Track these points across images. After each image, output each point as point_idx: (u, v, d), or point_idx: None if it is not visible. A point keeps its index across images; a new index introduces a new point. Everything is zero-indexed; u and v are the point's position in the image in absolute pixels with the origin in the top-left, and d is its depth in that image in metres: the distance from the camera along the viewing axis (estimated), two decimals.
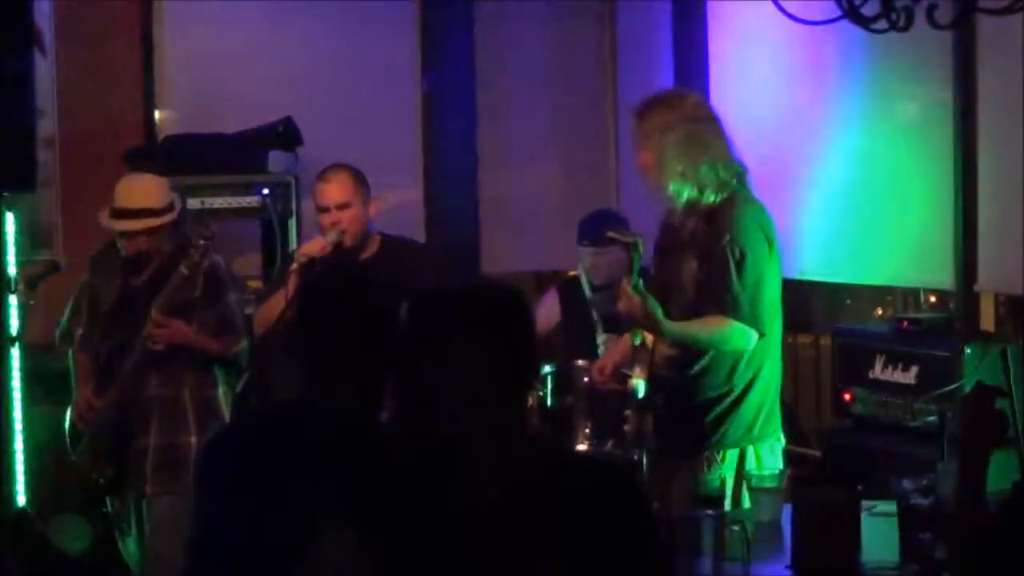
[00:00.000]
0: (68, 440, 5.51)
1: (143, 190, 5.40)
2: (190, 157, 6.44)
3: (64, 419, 5.54)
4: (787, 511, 3.89)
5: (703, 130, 4.65)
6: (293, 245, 6.20)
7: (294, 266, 5.34)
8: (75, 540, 5.60)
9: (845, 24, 4.33)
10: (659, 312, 4.46)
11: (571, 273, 6.59)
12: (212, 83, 6.96)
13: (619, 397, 4.77)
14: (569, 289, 6.36)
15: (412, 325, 2.78)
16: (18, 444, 5.79)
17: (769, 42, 6.42)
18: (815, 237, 6.21)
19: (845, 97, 6.12)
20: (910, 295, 6.26)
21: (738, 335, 4.54)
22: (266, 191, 6.36)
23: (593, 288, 6.10)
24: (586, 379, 4.90)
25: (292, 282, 5.26)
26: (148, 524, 5.42)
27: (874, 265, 6.04)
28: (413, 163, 7.25)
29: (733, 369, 4.62)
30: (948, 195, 5.57)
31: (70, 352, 5.58)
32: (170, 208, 5.41)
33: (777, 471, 4.31)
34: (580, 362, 4.99)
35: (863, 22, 4.25)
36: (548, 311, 6.25)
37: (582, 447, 4.77)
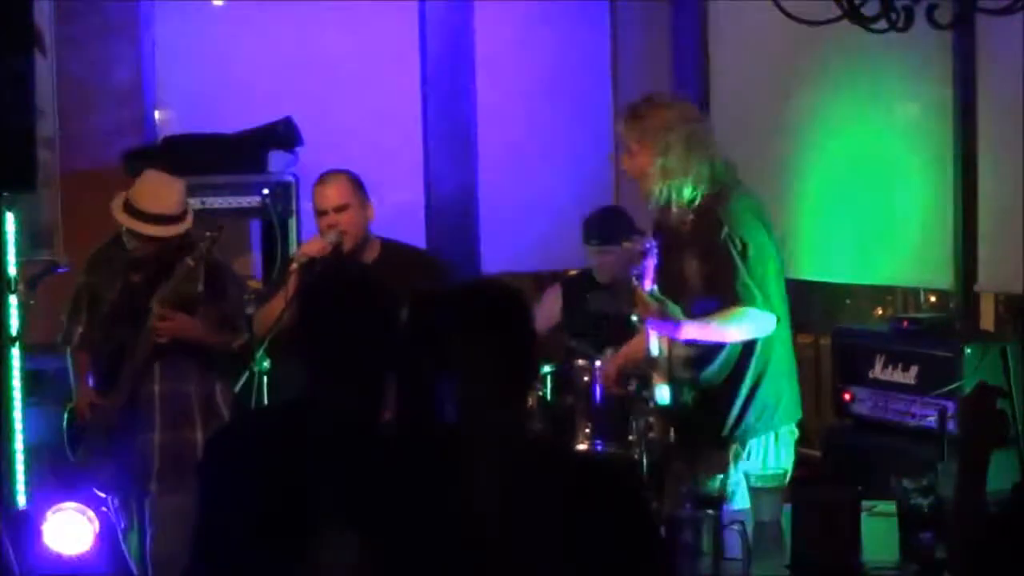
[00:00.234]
0: (68, 440, 5.51)
1: (165, 195, 5.36)
2: (190, 157, 6.43)
3: (64, 419, 5.54)
4: (787, 511, 3.89)
5: (700, 129, 4.68)
6: (293, 245, 6.20)
7: (294, 266, 5.35)
8: (76, 540, 5.59)
9: (845, 24, 4.33)
10: (678, 313, 4.48)
11: (571, 272, 6.60)
12: (212, 83, 6.96)
13: (622, 400, 4.79)
14: (570, 288, 6.36)
15: (412, 325, 2.78)
16: (18, 444, 5.78)
17: (769, 42, 6.42)
18: (815, 237, 6.21)
19: (845, 97, 6.13)
20: (910, 295, 6.27)
21: (760, 320, 4.56)
22: (266, 191, 6.36)
23: (598, 286, 6.11)
24: (586, 379, 4.91)
25: (292, 282, 5.27)
26: (151, 523, 5.41)
27: (874, 265, 6.04)
28: (413, 163, 7.26)
29: (749, 357, 4.63)
30: (948, 195, 5.57)
31: (68, 351, 5.58)
32: (185, 215, 5.40)
33: (781, 471, 4.31)
34: (580, 362, 4.99)
35: (863, 22, 4.26)
36: (548, 311, 6.25)
37: (582, 447, 4.77)
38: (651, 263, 4.53)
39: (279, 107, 6.64)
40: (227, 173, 6.45)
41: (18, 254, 5.70)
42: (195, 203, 6.20)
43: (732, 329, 4.58)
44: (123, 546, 5.59)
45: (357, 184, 5.48)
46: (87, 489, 5.55)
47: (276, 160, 6.51)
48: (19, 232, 5.72)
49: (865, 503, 3.80)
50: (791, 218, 6.12)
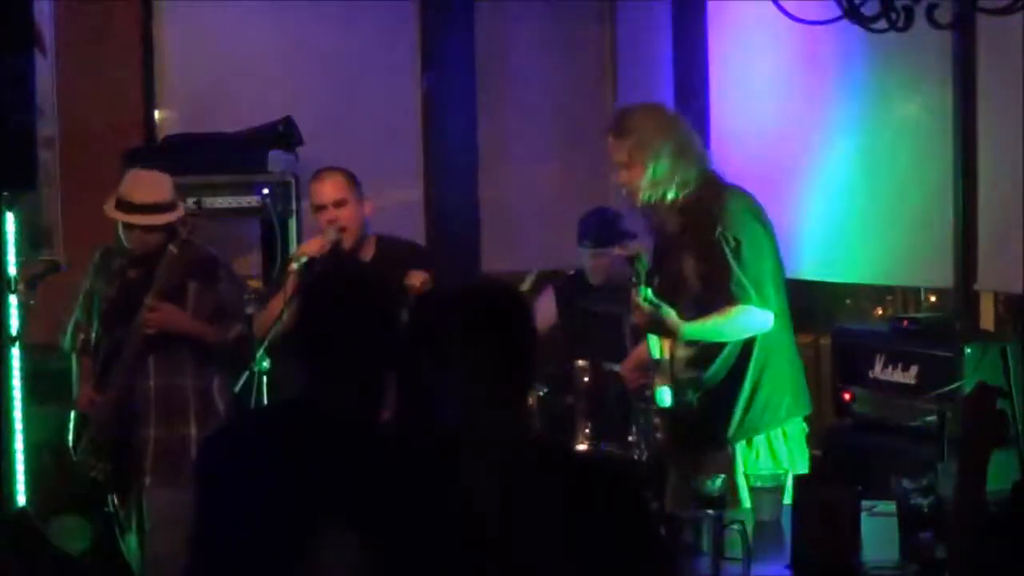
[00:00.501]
0: (71, 439, 5.53)
1: (152, 185, 5.46)
2: (190, 157, 6.44)
3: (66, 419, 5.55)
4: (787, 511, 3.89)
5: (685, 133, 4.72)
6: (293, 245, 6.20)
7: (293, 266, 5.36)
8: (75, 540, 5.59)
9: (845, 24, 4.33)
10: (673, 316, 4.49)
11: (568, 273, 6.59)
12: (212, 83, 6.96)
13: (623, 397, 4.79)
14: (565, 288, 6.36)
15: (412, 325, 2.78)
16: (18, 444, 5.78)
17: (769, 42, 6.42)
18: (815, 237, 6.21)
19: (845, 97, 6.12)
20: (910, 295, 6.26)
21: (757, 317, 4.57)
22: (266, 191, 6.36)
23: (592, 288, 6.11)
24: (586, 379, 4.91)
25: (291, 282, 5.28)
26: (146, 519, 5.42)
27: (874, 265, 6.04)
28: (413, 163, 7.26)
29: (750, 353, 4.64)
30: (948, 195, 5.56)
31: (73, 356, 5.61)
32: (174, 205, 5.45)
33: (782, 471, 4.31)
34: (580, 362, 5.00)
35: (863, 22, 4.25)
36: (544, 311, 6.24)
37: (582, 447, 4.77)
38: (643, 270, 4.54)
39: (279, 107, 6.64)
40: (227, 173, 6.45)
41: (18, 254, 5.70)
42: (195, 203, 6.25)
43: (729, 328, 4.58)
44: (121, 545, 5.60)
45: (353, 180, 5.51)
46: (87, 488, 5.55)
47: (276, 160, 6.51)
48: (19, 232, 5.72)
49: (865, 503, 3.80)
50: (791, 218, 6.11)
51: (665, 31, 7.17)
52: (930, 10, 4.18)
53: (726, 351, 4.63)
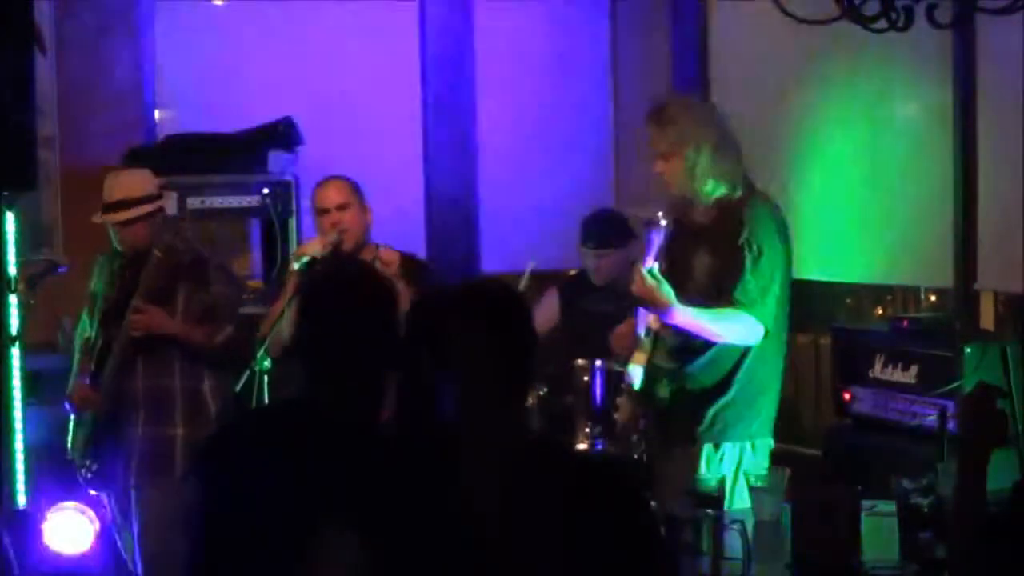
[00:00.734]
0: (70, 439, 5.54)
1: (125, 181, 5.50)
2: (190, 157, 6.44)
3: (66, 419, 5.56)
4: (787, 511, 3.89)
5: (724, 128, 4.76)
6: (293, 245, 6.21)
7: (294, 266, 5.36)
8: (76, 539, 5.60)
9: (845, 24, 4.33)
10: (671, 295, 4.49)
11: (571, 273, 6.59)
12: (212, 83, 6.96)
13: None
14: (569, 289, 6.36)
15: (412, 325, 2.78)
16: (18, 444, 5.78)
17: (769, 42, 6.42)
18: (815, 237, 6.21)
19: (845, 97, 6.12)
20: (910, 295, 6.26)
21: (746, 328, 4.58)
22: (266, 191, 6.37)
23: (595, 288, 6.11)
24: (586, 379, 4.91)
25: (291, 283, 5.29)
26: (136, 519, 5.43)
27: (874, 265, 6.04)
28: (413, 163, 7.25)
29: (738, 364, 4.66)
30: (948, 195, 5.57)
31: (76, 356, 5.63)
32: (152, 198, 5.46)
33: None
34: (580, 362, 4.99)
35: (863, 22, 4.26)
36: (548, 311, 6.25)
37: (582, 447, 4.77)
38: (656, 241, 4.55)
39: (279, 107, 6.64)
40: (227, 173, 6.46)
41: (18, 254, 5.71)
42: (195, 203, 6.24)
43: (719, 327, 4.59)
44: (119, 544, 5.61)
45: (356, 187, 5.56)
46: (85, 488, 5.56)
47: (276, 160, 6.51)
48: (19, 232, 5.72)
49: (865, 503, 3.79)
50: (791, 218, 6.09)
51: (665, 31, 7.16)
52: (930, 10, 4.18)
53: (715, 354, 4.64)
